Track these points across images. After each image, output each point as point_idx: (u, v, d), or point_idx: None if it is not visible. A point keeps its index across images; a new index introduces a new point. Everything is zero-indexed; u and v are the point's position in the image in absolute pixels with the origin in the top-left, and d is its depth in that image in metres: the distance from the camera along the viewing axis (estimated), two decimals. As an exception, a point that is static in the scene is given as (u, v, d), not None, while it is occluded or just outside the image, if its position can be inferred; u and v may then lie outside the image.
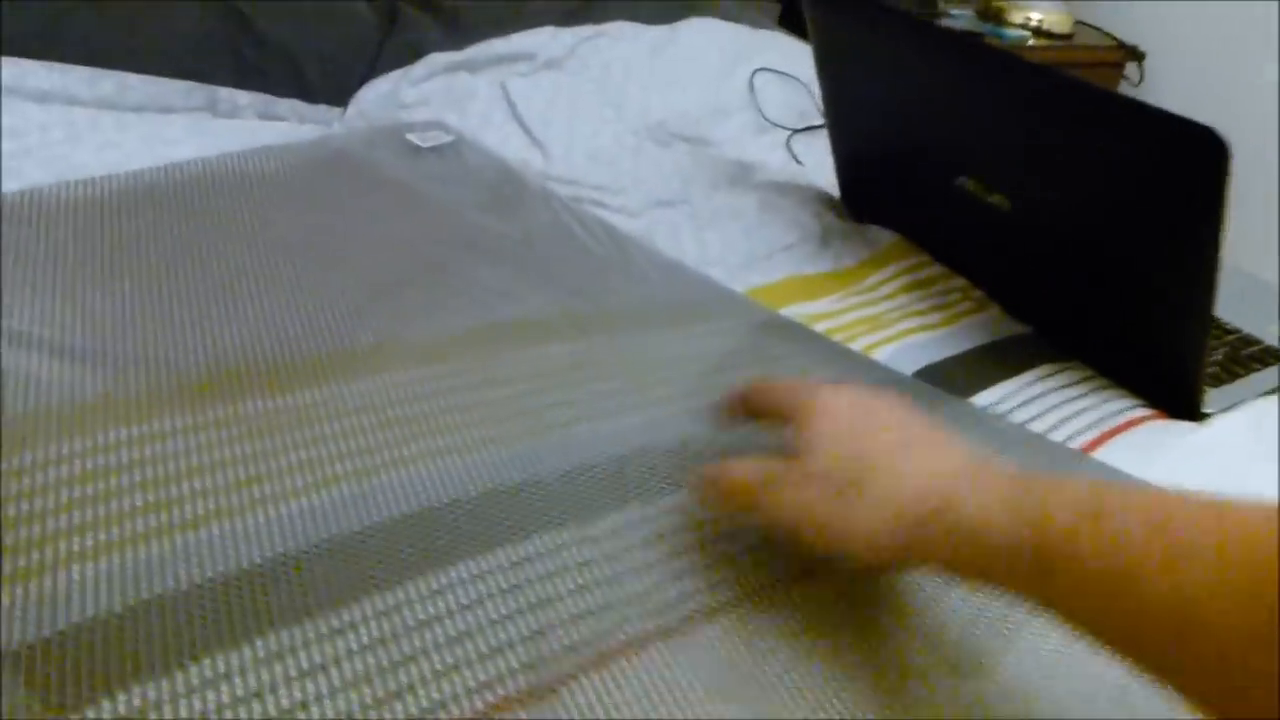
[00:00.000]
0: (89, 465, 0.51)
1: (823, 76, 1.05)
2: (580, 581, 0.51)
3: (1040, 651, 0.52)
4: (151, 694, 0.40)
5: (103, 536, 0.47)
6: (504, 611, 0.49)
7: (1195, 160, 0.69)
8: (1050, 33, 2.08)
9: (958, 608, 0.53)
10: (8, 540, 0.46)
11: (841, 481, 0.46)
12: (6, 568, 0.44)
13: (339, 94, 1.13)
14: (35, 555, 0.46)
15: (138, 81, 1.00)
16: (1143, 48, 2.18)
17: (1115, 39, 2.18)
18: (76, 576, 0.45)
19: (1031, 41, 2.02)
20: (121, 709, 0.40)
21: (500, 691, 0.44)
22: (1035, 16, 2.08)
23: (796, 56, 1.47)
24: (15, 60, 0.94)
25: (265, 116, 1.08)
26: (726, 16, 1.45)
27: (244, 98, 1.07)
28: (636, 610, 0.50)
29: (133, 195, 0.82)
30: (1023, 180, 0.86)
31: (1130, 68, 2.20)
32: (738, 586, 0.53)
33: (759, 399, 0.55)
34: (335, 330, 0.69)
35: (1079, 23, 2.15)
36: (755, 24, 1.49)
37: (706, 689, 0.46)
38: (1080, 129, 0.78)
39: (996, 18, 2.08)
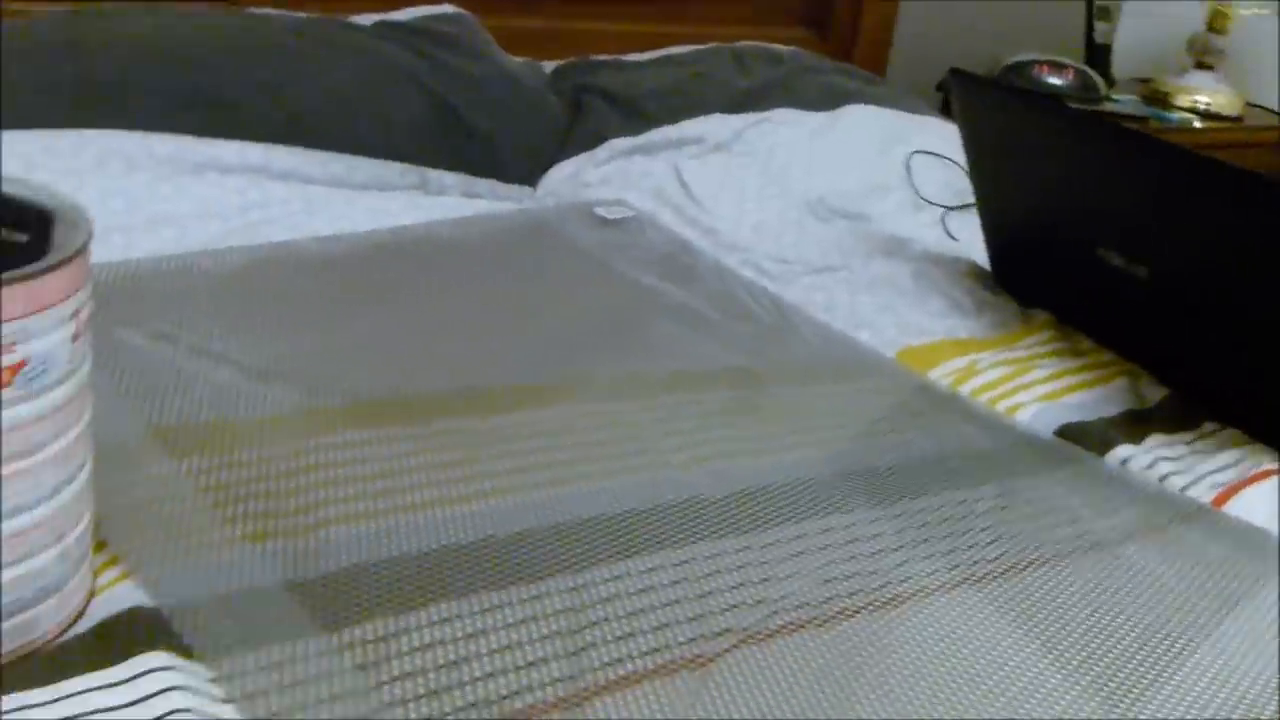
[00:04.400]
0: (339, 457, 0.65)
1: (971, 160, 1.12)
2: (737, 580, 0.60)
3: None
4: (394, 625, 0.51)
5: (347, 509, 0.60)
6: (672, 597, 0.57)
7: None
8: (1219, 115, 2.07)
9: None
10: (273, 507, 0.59)
11: None
12: (278, 526, 0.57)
13: (530, 175, 1.27)
14: (299, 519, 0.58)
15: (362, 164, 1.16)
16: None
17: (1286, 118, 2.16)
18: (334, 536, 0.57)
19: (1197, 123, 2.02)
20: (371, 634, 0.51)
21: (667, 656, 0.53)
22: (1203, 100, 2.08)
23: (952, 139, 1.54)
24: (267, 145, 1.11)
25: (468, 194, 1.22)
26: (886, 103, 1.54)
27: (450, 178, 1.21)
28: (785, 604, 0.58)
29: (365, 251, 0.97)
30: (1161, 251, 0.91)
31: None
32: (873, 594, 0.60)
33: None
34: (531, 369, 0.81)
35: (1250, 104, 2.14)
36: (914, 109, 1.57)
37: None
38: (1211, 201, 0.83)
39: (1163, 101, 2.09)
